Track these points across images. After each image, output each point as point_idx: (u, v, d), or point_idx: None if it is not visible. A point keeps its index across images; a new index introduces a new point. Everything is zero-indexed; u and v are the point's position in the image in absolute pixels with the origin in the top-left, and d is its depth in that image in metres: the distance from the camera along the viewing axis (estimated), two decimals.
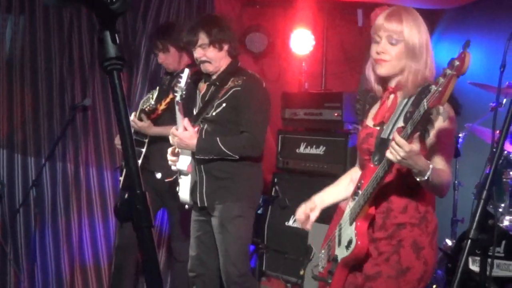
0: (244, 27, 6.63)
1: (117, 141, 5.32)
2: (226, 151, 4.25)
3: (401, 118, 2.82)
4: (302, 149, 5.77)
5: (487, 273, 2.21)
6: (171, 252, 5.49)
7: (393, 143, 2.63)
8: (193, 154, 4.38)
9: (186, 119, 4.28)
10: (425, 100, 2.49)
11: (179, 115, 4.29)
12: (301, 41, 6.64)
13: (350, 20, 6.67)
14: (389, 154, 2.66)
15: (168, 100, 4.96)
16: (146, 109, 5.01)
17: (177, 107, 4.27)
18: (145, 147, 5.09)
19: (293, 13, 6.64)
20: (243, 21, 6.68)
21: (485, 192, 2.08)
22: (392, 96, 3.00)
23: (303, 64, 6.70)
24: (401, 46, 2.91)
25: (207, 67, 4.40)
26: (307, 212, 3.22)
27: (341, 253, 3.01)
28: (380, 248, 2.93)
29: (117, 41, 1.38)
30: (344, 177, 3.36)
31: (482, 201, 2.08)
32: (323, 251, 3.25)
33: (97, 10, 1.32)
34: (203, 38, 4.34)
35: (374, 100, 3.20)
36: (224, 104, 4.32)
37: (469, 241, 2.08)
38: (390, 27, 2.92)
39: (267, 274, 5.77)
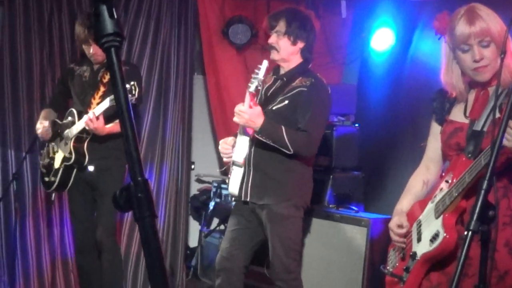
0: (226, 18, 6.57)
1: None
2: (286, 141, 4.15)
3: (496, 111, 2.65)
4: None
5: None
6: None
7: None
8: (249, 147, 4.34)
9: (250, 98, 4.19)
10: None
11: (247, 104, 4.17)
12: None
13: (334, 11, 6.62)
14: (506, 142, 2.51)
15: (101, 93, 4.86)
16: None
17: (247, 97, 4.16)
18: (85, 144, 4.91)
19: (276, 5, 6.56)
20: (225, 12, 6.60)
21: (485, 183, 2.03)
22: (482, 92, 2.90)
23: None
24: (493, 45, 2.79)
25: (273, 55, 4.39)
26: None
27: (422, 249, 2.88)
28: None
29: (115, 15, 1.29)
30: (414, 181, 3.21)
31: (482, 191, 2.03)
32: (391, 252, 3.17)
33: None
34: (281, 26, 4.34)
35: (453, 99, 3.04)
36: (286, 101, 4.29)
37: (470, 232, 2.04)
38: (477, 31, 2.78)
39: None
